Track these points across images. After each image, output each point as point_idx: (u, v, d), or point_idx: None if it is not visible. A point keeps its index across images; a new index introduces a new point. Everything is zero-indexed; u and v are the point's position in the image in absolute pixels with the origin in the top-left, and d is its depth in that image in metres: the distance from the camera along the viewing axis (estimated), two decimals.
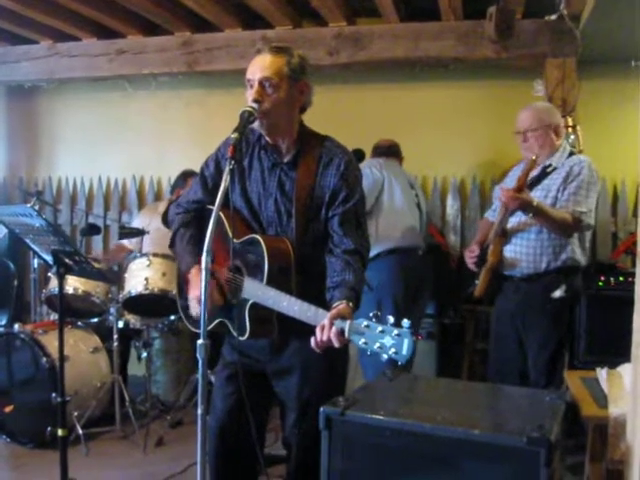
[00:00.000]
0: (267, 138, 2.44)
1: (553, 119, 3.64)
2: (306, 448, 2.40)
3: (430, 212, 5.03)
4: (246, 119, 2.27)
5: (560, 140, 3.66)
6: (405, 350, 1.91)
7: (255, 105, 2.30)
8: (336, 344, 2.08)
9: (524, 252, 3.52)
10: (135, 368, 4.95)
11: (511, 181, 3.73)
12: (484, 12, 4.50)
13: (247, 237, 2.38)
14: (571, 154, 3.63)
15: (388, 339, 1.94)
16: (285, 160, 2.45)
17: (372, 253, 2.81)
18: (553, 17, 4.52)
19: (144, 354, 4.55)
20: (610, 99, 4.80)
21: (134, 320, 4.45)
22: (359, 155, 3.74)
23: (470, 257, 3.68)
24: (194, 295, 2.41)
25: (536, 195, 3.47)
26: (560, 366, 3.68)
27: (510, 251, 3.56)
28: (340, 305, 2.18)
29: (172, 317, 4.46)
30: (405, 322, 1.95)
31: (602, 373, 2.65)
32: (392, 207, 4.16)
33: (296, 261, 2.35)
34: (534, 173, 3.58)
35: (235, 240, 2.38)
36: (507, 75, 5.09)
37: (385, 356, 1.95)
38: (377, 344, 1.96)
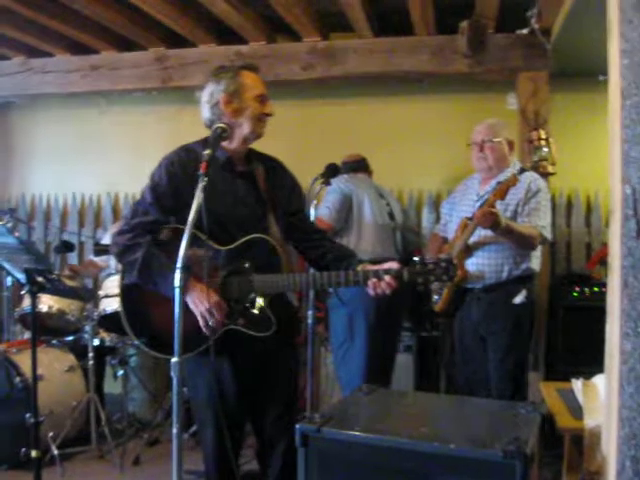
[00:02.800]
0: (239, 150, 2.64)
1: (508, 135, 3.77)
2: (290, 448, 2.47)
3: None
4: (219, 135, 2.36)
5: (512, 156, 3.79)
6: (453, 272, 2.41)
7: (266, 118, 2.63)
8: (394, 286, 2.44)
9: (487, 264, 3.59)
10: (111, 386, 4.87)
11: (462, 196, 3.80)
12: (457, 27, 4.54)
13: (246, 238, 2.53)
14: (522, 170, 3.72)
15: (439, 270, 2.41)
16: (244, 169, 2.68)
17: None
18: (525, 31, 4.58)
19: (120, 372, 4.49)
20: (582, 112, 4.85)
21: (109, 338, 4.41)
22: (334, 170, 3.72)
23: None
24: (210, 303, 2.42)
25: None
26: (525, 373, 3.77)
27: (473, 264, 3.62)
28: (392, 262, 2.53)
29: None
30: (443, 256, 2.51)
31: (577, 384, 2.66)
32: (362, 221, 4.14)
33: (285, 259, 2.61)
34: (487, 188, 3.66)
35: (223, 248, 2.52)
36: (481, 89, 5.13)
37: (437, 284, 2.73)
38: (432, 276, 2.42)
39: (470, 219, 3.60)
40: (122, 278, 2.62)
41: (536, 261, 3.73)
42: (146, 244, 2.51)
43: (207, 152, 2.26)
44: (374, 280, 2.44)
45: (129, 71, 5.39)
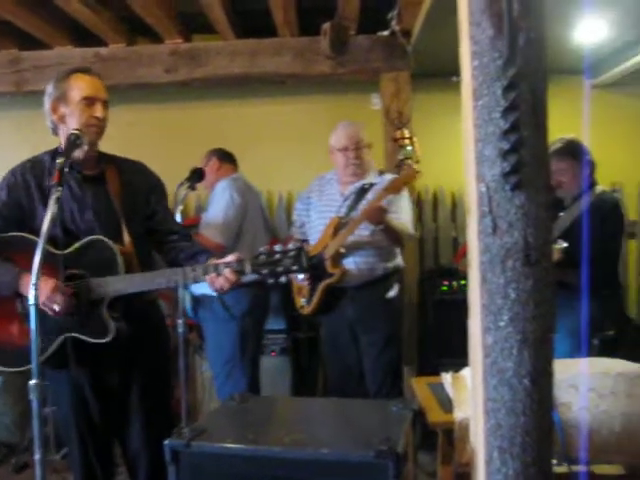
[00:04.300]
0: (80, 155, 2.50)
1: (369, 139, 3.86)
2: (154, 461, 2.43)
3: (276, 227, 5.05)
4: (73, 142, 2.28)
5: (371, 158, 3.89)
6: (305, 261, 2.27)
7: (96, 121, 2.50)
8: (233, 280, 2.33)
9: (363, 262, 3.64)
10: None
11: (320, 196, 3.85)
12: (319, 28, 4.57)
13: (84, 241, 2.43)
14: (381, 172, 3.87)
15: (287, 260, 2.26)
16: (93, 174, 2.59)
17: None
18: (386, 33, 4.66)
19: None
20: (442, 111, 4.99)
21: None
22: (199, 174, 3.65)
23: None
24: (47, 290, 2.30)
25: (362, 209, 3.60)
26: (400, 367, 3.88)
27: (350, 263, 3.65)
28: (234, 254, 2.40)
29: None
30: (292, 244, 2.31)
31: (447, 377, 2.72)
32: (250, 231, 4.07)
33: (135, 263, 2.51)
34: (351, 189, 3.71)
35: (59, 252, 2.41)
36: (345, 90, 5.20)
37: (284, 278, 2.29)
38: (280, 267, 2.27)
39: (344, 218, 3.63)
40: None
41: (400, 257, 3.85)
42: None
43: (59, 161, 2.21)
44: (212, 275, 2.35)
45: None
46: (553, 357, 1.66)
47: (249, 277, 2.42)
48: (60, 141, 2.56)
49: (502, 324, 1.58)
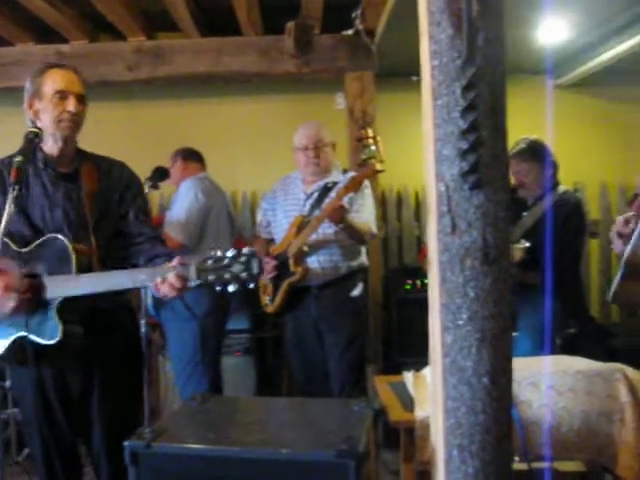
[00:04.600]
0: (55, 151, 2.47)
1: (332, 137, 3.86)
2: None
3: (241, 226, 5.03)
4: (31, 140, 2.24)
5: (335, 158, 3.89)
6: (255, 269, 2.08)
7: (69, 116, 2.42)
8: (178, 287, 2.18)
9: (327, 260, 3.65)
10: None
11: (285, 195, 3.87)
12: (284, 27, 4.56)
13: (41, 239, 2.36)
14: (345, 171, 3.89)
15: (237, 266, 2.08)
16: (68, 171, 2.52)
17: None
18: (350, 32, 4.65)
19: None
20: (406, 110, 5.00)
21: None
22: (162, 173, 3.62)
23: (267, 267, 3.71)
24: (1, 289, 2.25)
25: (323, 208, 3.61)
26: (364, 365, 3.91)
27: (313, 262, 3.66)
28: (177, 258, 2.27)
29: None
30: (245, 249, 2.11)
31: (409, 376, 2.73)
32: (213, 231, 4.04)
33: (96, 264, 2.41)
34: (314, 188, 3.73)
35: (20, 249, 2.36)
36: (310, 89, 5.19)
37: (234, 286, 2.10)
38: (228, 274, 2.09)
39: (306, 216, 3.64)
40: None
41: (365, 255, 3.86)
42: None
43: (17, 159, 2.18)
44: (158, 281, 2.20)
45: None
46: (512, 355, 1.68)
47: (195, 282, 2.23)
48: (32, 138, 2.43)
49: (461, 323, 1.58)
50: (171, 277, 2.18)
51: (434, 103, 1.59)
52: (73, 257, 2.31)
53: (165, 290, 2.21)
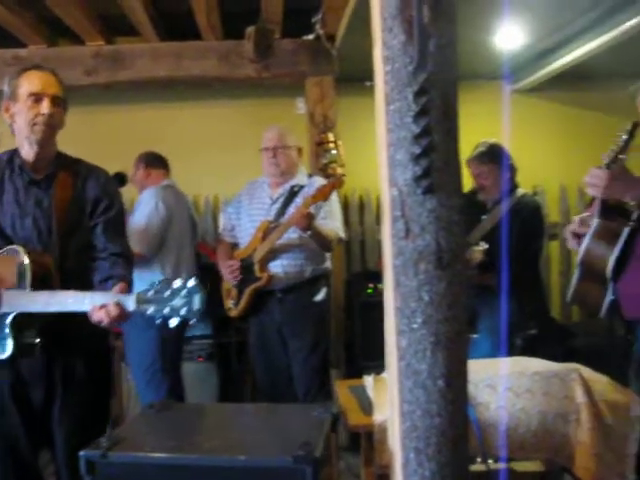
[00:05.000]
0: (30, 156, 2.43)
1: (297, 142, 3.90)
2: None
3: (203, 231, 5.00)
4: None
5: (300, 162, 3.93)
6: (197, 305, 2.00)
7: (43, 118, 2.38)
8: (114, 315, 2.12)
9: (292, 265, 3.66)
10: None
11: (251, 199, 3.88)
12: (244, 32, 4.55)
13: (2, 251, 2.33)
14: (310, 175, 3.91)
15: (178, 300, 2.00)
16: (41, 177, 2.46)
17: None
18: (310, 37, 4.66)
19: None
20: (365, 115, 4.99)
21: None
22: (121, 178, 3.59)
23: (232, 271, 3.72)
24: None
25: (291, 212, 3.62)
26: (328, 369, 3.93)
27: (277, 266, 3.67)
28: (119, 284, 2.24)
29: None
30: (191, 281, 2.04)
31: (369, 380, 2.73)
32: (176, 240, 3.99)
33: (60, 276, 2.35)
34: (280, 191, 3.74)
35: None
36: (270, 93, 5.19)
37: (176, 320, 2.02)
38: (167, 308, 2.01)
39: (272, 222, 3.65)
40: None
41: (329, 260, 3.88)
42: None
43: None
44: (95, 306, 2.14)
45: None
46: (467, 358, 1.69)
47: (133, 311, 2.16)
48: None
49: (415, 326, 1.59)
50: (109, 305, 2.12)
51: (387, 108, 1.60)
52: (28, 272, 2.26)
53: (100, 316, 2.15)
